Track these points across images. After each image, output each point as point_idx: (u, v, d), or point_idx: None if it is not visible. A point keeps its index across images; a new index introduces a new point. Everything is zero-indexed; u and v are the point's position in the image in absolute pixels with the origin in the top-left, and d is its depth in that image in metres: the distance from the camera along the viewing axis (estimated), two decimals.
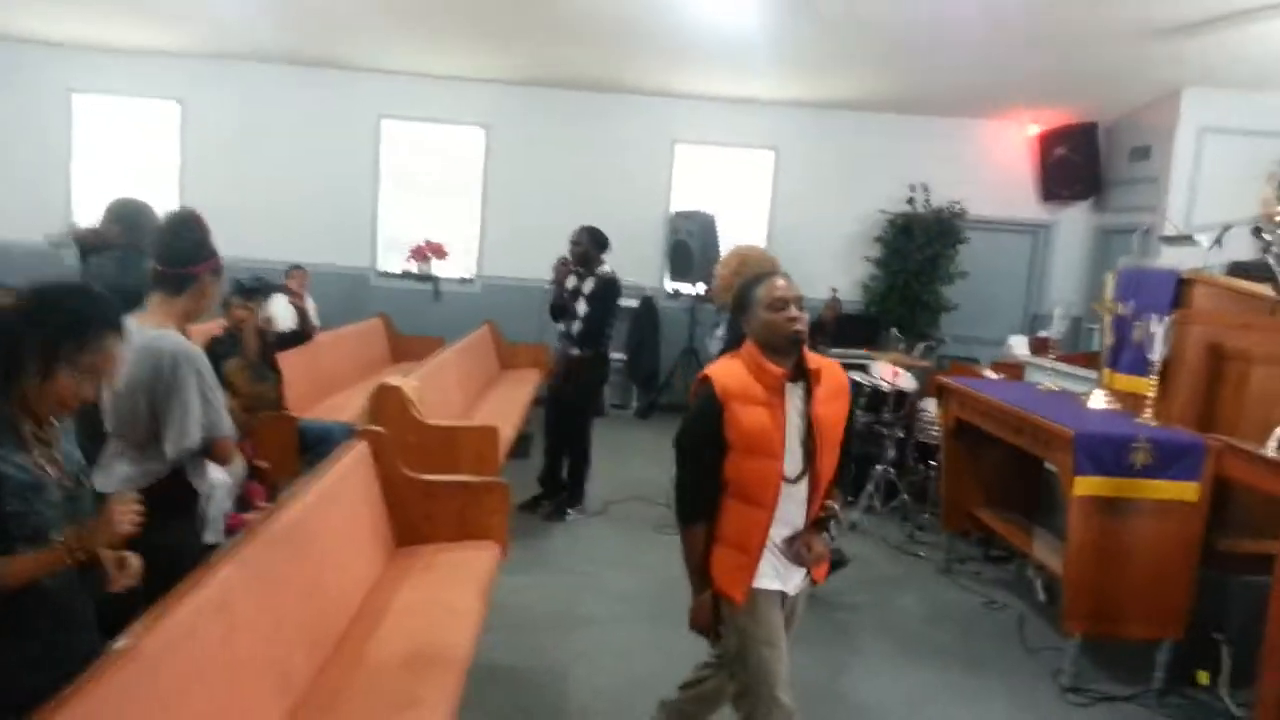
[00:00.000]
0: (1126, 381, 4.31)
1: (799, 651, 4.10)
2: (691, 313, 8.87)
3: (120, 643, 1.76)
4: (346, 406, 5.95)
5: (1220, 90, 7.58)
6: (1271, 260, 4.21)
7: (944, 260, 8.80)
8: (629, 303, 9.02)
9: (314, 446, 4.87)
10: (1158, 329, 3.98)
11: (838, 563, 2.42)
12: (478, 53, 8.25)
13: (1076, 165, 8.87)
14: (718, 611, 2.56)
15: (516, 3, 7.03)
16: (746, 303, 2.51)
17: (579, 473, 5.87)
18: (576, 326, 5.66)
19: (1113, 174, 8.87)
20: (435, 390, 5.62)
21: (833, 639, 4.23)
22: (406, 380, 4.97)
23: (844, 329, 8.20)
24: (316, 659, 2.60)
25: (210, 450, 2.53)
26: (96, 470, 2.41)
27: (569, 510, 5.78)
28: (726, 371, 2.48)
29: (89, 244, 3.80)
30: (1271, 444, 3.03)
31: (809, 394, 2.46)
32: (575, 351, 5.68)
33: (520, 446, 6.77)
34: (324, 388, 6.52)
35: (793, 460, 2.44)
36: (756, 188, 9.30)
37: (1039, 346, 6.24)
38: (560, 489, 5.88)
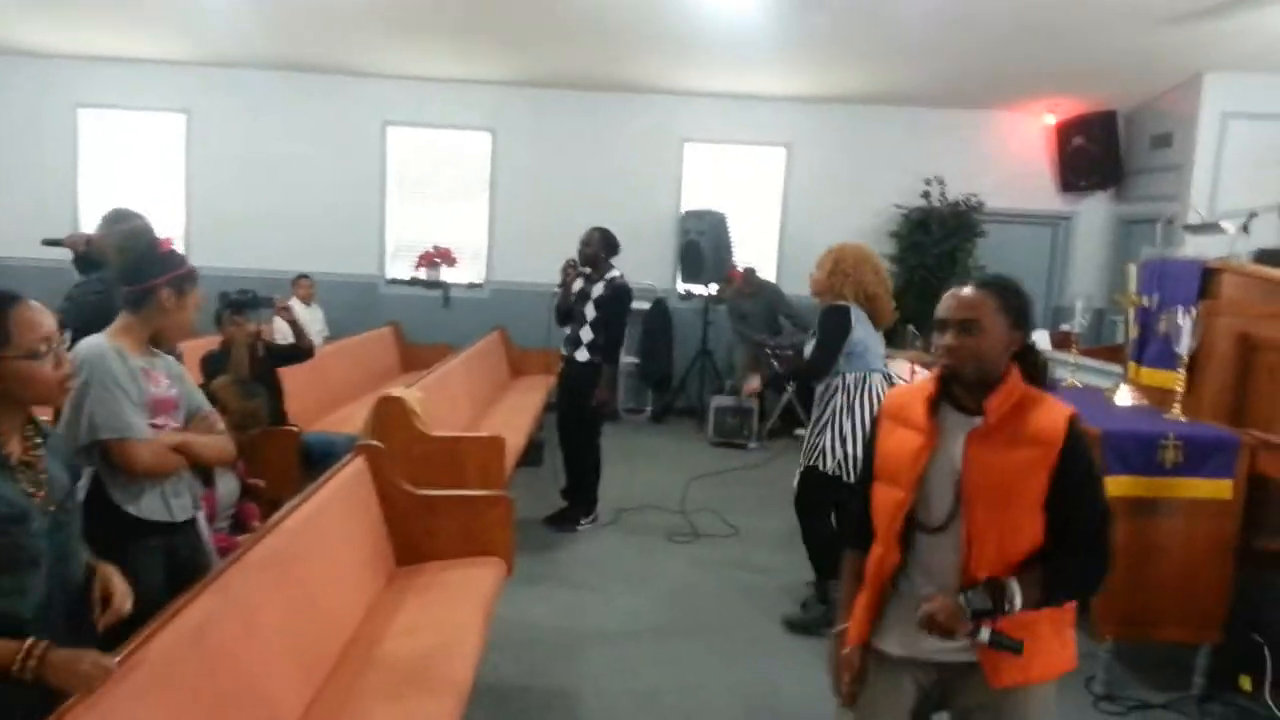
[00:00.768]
0: (1153, 376, 4.14)
1: (804, 656, 3.99)
2: (704, 314, 8.73)
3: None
4: (354, 418, 5.84)
5: (1243, 74, 7.37)
6: None
7: (962, 254, 8.61)
8: (640, 304, 8.90)
9: (319, 461, 4.77)
10: (1184, 321, 3.82)
11: (998, 644, 1.89)
12: (481, 56, 8.15)
13: (1095, 155, 8.67)
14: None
15: (520, 4, 6.93)
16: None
17: (589, 481, 5.72)
18: (585, 333, 5.50)
19: (1133, 163, 8.66)
20: (441, 400, 5.52)
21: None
22: (409, 391, 4.86)
23: None
24: (308, 689, 2.49)
25: (108, 455, 2.38)
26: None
27: (581, 520, 5.64)
28: (909, 387, 2.21)
29: (84, 256, 3.65)
30: None
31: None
32: (580, 357, 5.51)
33: (532, 455, 6.66)
34: (333, 399, 6.44)
35: (936, 501, 2.00)
36: (768, 185, 9.15)
37: (1061, 341, 6.06)
38: (584, 498, 5.70)
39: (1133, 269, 4.40)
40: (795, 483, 4.28)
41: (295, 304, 6.23)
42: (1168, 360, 3.93)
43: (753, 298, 8.43)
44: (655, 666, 3.84)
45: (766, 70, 8.05)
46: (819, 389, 4.23)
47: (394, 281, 9.17)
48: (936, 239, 8.56)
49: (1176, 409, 3.77)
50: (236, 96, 8.79)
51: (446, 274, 9.16)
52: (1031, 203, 9.04)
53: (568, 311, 5.61)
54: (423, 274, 9.14)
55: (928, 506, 2.02)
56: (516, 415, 6.69)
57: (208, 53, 8.37)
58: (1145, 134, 8.47)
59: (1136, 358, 4.29)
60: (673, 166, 9.01)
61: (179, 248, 8.47)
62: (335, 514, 3.06)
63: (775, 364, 8.07)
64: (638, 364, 9.01)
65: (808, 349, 4.28)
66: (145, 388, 2.47)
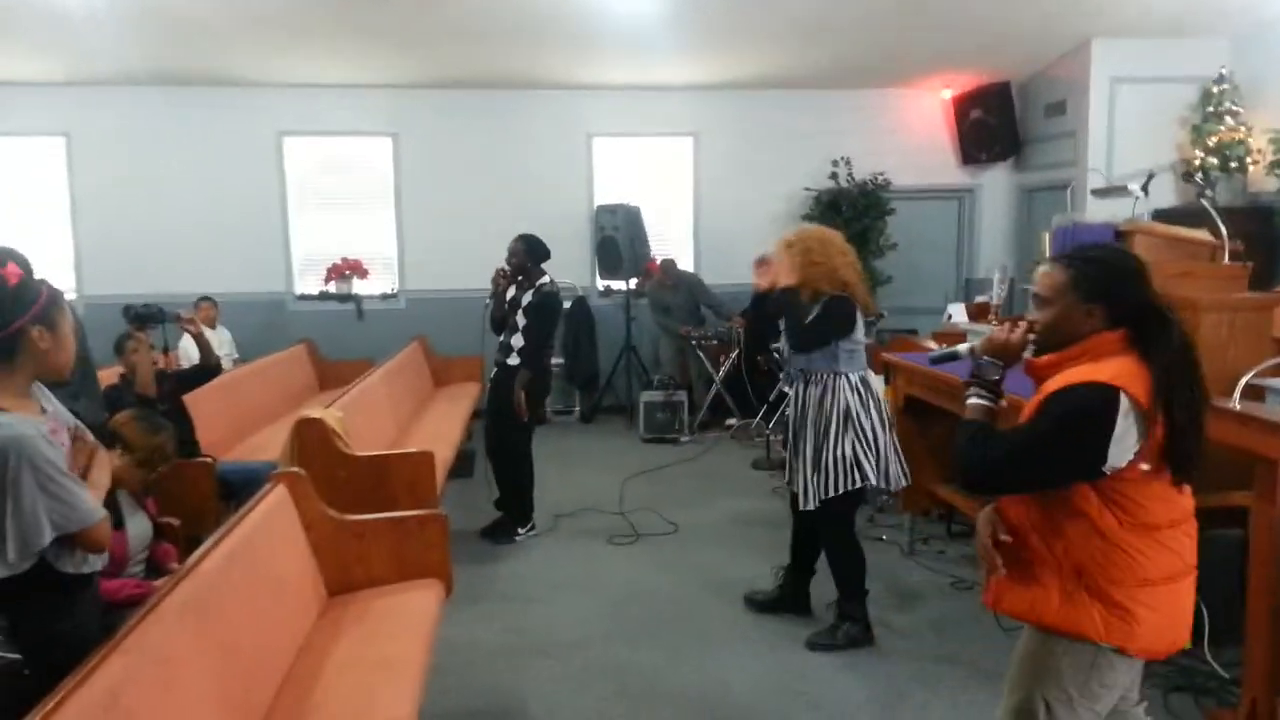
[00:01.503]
0: None
1: (752, 653, 3.95)
2: (626, 309, 8.65)
3: None
4: (272, 444, 5.58)
5: (1129, 39, 7.59)
6: (1207, 204, 4.13)
7: (873, 233, 8.71)
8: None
9: (239, 491, 4.56)
10: None
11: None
12: (376, 59, 7.91)
13: (993, 126, 8.86)
14: None
15: (412, 4, 6.73)
16: None
17: (524, 489, 5.57)
18: (516, 340, 5.38)
19: (1030, 132, 8.87)
20: (363, 417, 5.33)
21: (794, 636, 4.03)
22: (328, 410, 4.67)
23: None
24: None
25: (74, 541, 2.13)
26: None
27: (519, 531, 5.49)
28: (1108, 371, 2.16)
29: None
30: (1235, 395, 2.92)
31: None
32: (512, 362, 5.37)
33: (462, 466, 6.50)
34: (247, 425, 6.17)
35: None
36: (679, 176, 9.11)
37: (978, 312, 6.15)
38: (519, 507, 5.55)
39: (1045, 236, 4.46)
40: (813, 503, 3.85)
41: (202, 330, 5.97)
42: None
43: (674, 289, 8.39)
44: (604, 676, 3.74)
45: (668, 60, 8.00)
46: (814, 394, 3.89)
47: (304, 297, 8.85)
48: (848, 219, 8.62)
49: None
50: (119, 116, 8.34)
51: (358, 286, 8.88)
52: (936, 178, 9.19)
53: (501, 320, 5.47)
54: (333, 288, 8.85)
55: None
56: (444, 426, 6.52)
57: (85, 72, 7.93)
58: (1040, 103, 8.68)
59: None
60: (582, 162, 8.90)
61: (68, 277, 8.12)
62: (258, 549, 2.89)
63: (703, 359, 8.06)
64: (563, 364, 8.88)
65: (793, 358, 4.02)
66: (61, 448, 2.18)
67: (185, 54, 7.55)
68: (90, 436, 2.36)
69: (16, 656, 2.20)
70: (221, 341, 7.67)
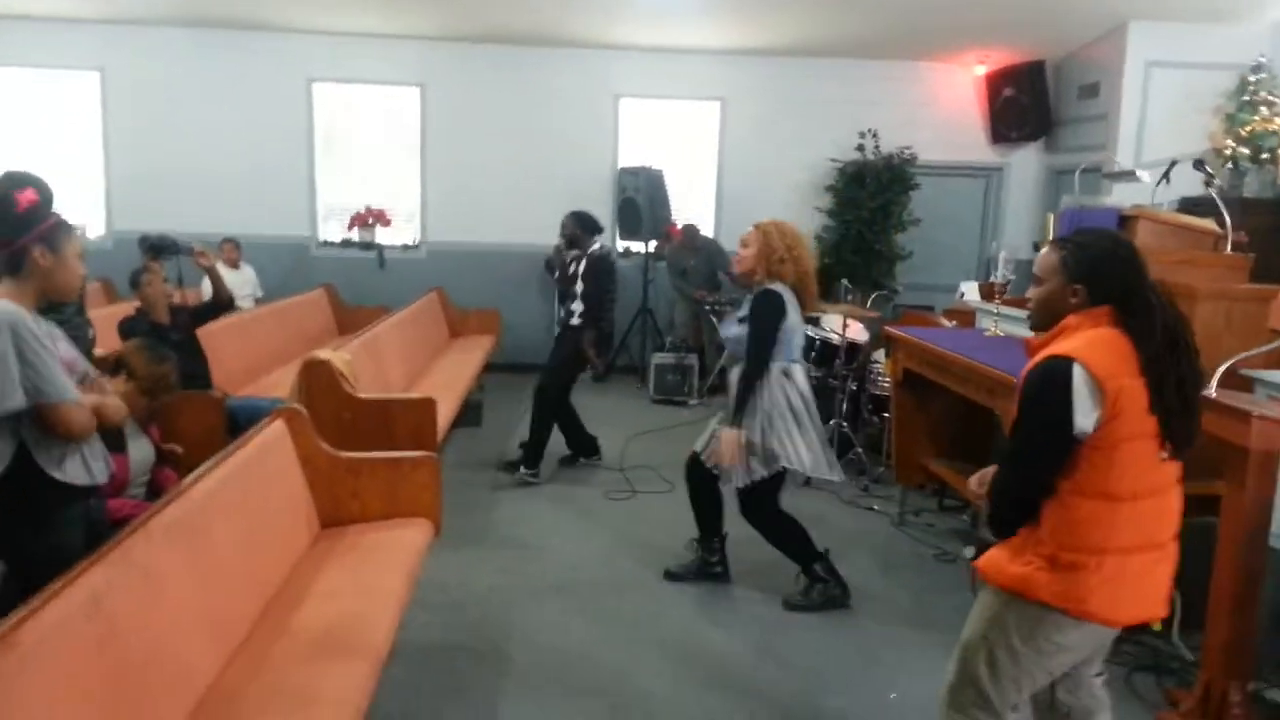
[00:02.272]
0: None
1: (734, 609, 4.06)
2: (644, 271, 8.70)
3: None
4: (284, 383, 5.73)
5: (1167, 23, 7.47)
6: (1214, 194, 4.12)
7: (896, 208, 8.68)
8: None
9: (245, 427, 4.69)
10: None
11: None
12: (408, 9, 7.94)
13: (1025, 105, 8.75)
14: None
15: None
16: None
17: (539, 436, 5.75)
18: (576, 305, 5.81)
19: (1062, 113, 8.76)
20: (373, 362, 5.46)
21: (774, 600, 4.13)
22: (337, 353, 4.79)
23: None
24: (222, 654, 2.46)
25: (45, 419, 2.27)
26: None
27: (521, 468, 5.67)
28: (1094, 349, 2.23)
29: None
30: (1213, 383, 2.95)
31: None
32: (573, 323, 5.81)
33: (470, 414, 6.63)
34: (261, 364, 6.32)
35: None
36: (704, 140, 9.10)
37: (989, 292, 6.16)
38: (588, 442, 6.10)
39: (1051, 218, 4.46)
40: (738, 490, 3.94)
41: (220, 267, 6.12)
42: None
43: (693, 254, 8.42)
44: (587, 623, 3.86)
45: (699, 23, 7.97)
46: (735, 376, 3.94)
47: (326, 244, 8.99)
48: (871, 192, 8.61)
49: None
50: (153, 54, 8.46)
51: (381, 235, 9.00)
52: (964, 155, 9.11)
53: (565, 290, 5.99)
54: (356, 235, 8.97)
55: None
56: (454, 375, 6.64)
57: (121, 9, 8.04)
58: (1073, 84, 8.57)
59: None
60: (608, 122, 8.92)
61: (98, 211, 8.29)
62: (252, 478, 3.01)
63: (715, 325, 8.09)
64: None
65: (726, 330, 4.06)
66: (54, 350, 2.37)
67: None
68: (107, 386, 2.60)
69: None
70: (245, 281, 7.84)
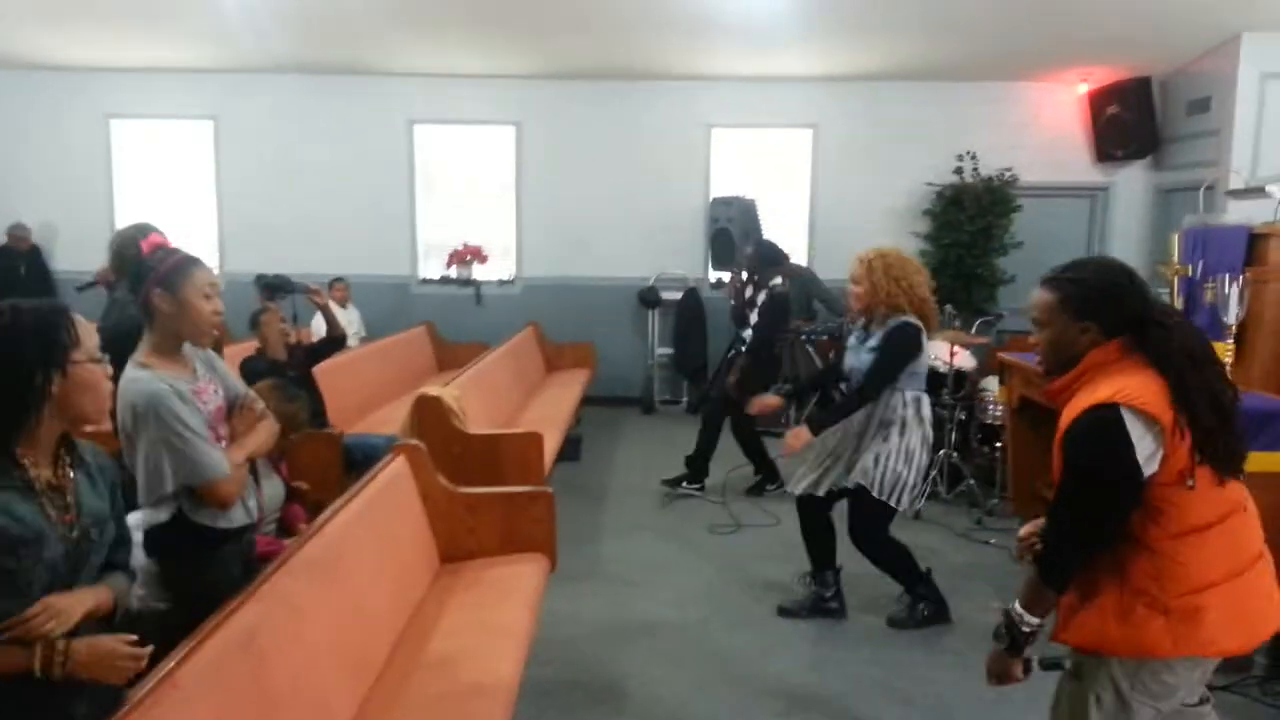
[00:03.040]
0: None
1: (848, 646, 3.96)
2: None
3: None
4: (393, 419, 5.87)
5: None
6: None
7: (997, 231, 8.47)
8: (672, 295, 8.88)
9: (361, 463, 4.80)
10: (1231, 289, 3.72)
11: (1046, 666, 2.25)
12: (502, 49, 8.13)
13: (1130, 123, 8.47)
14: None
15: None
16: None
17: (702, 452, 6.10)
18: (748, 334, 6.02)
19: (1169, 130, 8.46)
20: (478, 397, 5.54)
21: (897, 636, 4.03)
22: (446, 389, 4.87)
23: None
24: (359, 689, 2.50)
25: (199, 496, 2.33)
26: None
27: (687, 484, 6.09)
28: (1129, 389, 2.14)
29: (107, 282, 3.70)
30: None
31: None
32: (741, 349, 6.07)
33: (570, 449, 6.67)
34: (369, 401, 6.47)
35: None
36: (796, 168, 9.05)
37: None
38: (767, 466, 6.22)
39: (1175, 238, 4.29)
40: (808, 490, 4.04)
41: (332, 305, 6.30)
42: (1215, 330, 3.83)
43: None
44: (701, 659, 3.81)
45: (789, 50, 7.95)
46: (869, 406, 3.94)
47: (426, 281, 9.20)
48: (971, 215, 8.42)
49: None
50: (262, 101, 8.85)
51: (478, 271, 9.17)
52: (1067, 175, 8.86)
53: (741, 316, 6.17)
54: (454, 272, 9.17)
55: None
56: (553, 410, 6.69)
57: (232, 59, 8.43)
58: (1181, 99, 8.27)
59: None
60: (700, 153, 8.95)
61: (211, 254, 8.67)
62: (378, 514, 3.07)
63: (811, 354, 7.99)
64: (672, 355, 8.98)
65: (854, 360, 4.02)
66: (201, 408, 2.39)
67: (326, 44, 7.94)
68: (260, 405, 2.61)
69: (163, 605, 2.42)
70: (350, 320, 8.07)
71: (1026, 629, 2.13)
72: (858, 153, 8.84)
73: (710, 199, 8.84)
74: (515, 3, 7.00)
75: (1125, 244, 8.86)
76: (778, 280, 6.07)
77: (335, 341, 5.22)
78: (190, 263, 2.44)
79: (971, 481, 5.74)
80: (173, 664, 1.77)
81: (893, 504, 3.88)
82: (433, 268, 9.24)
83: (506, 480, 4.37)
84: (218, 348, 3.46)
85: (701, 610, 4.31)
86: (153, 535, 2.36)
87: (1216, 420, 1.97)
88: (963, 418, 5.96)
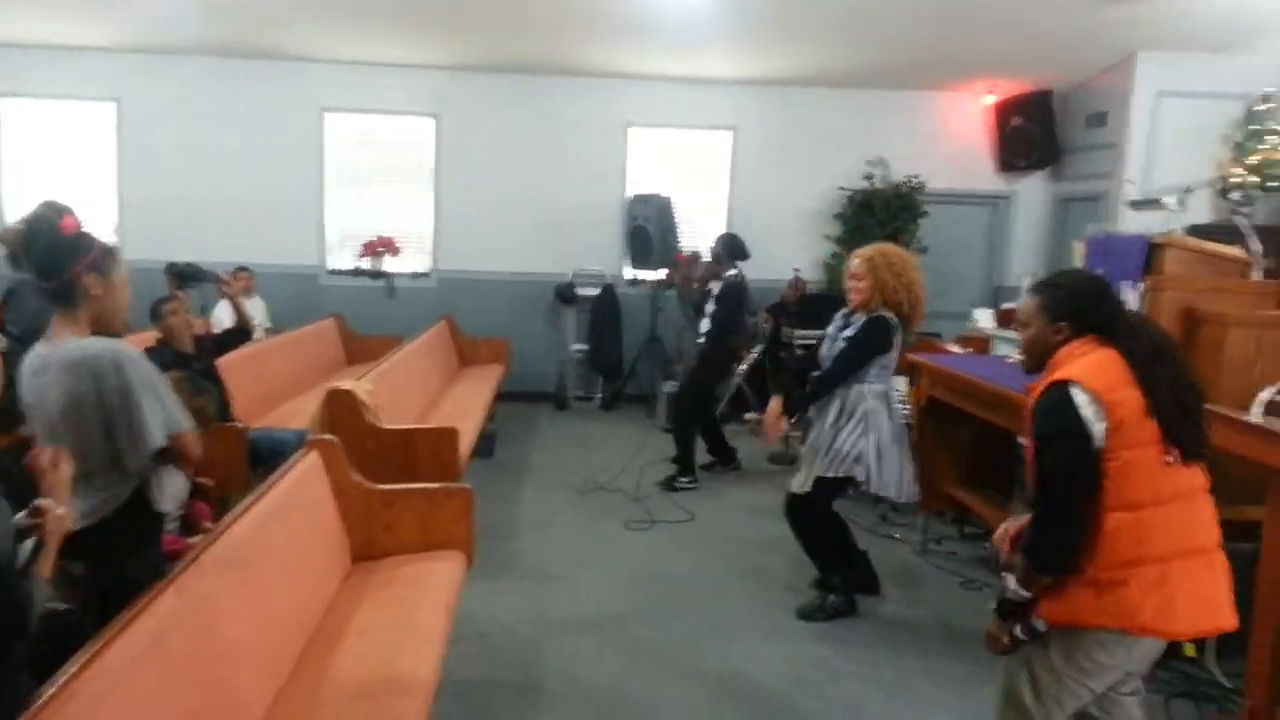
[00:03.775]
0: None
1: (765, 640, 4.03)
2: (653, 300, 8.71)
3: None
4: (301, 413, 5.70)
5: (1175, 53, 7.54)
6: (1240, 221, 4.14)
7: (905, 235, 8.69)
8: (589, 291, 8.86)
9: (268, 459, 4.66)
10: (1130, 295, 3.90)
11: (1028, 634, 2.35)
12: (422, 40, 7.99)
13: (1032, 134, 8.82)
14: None
15: None
16: None
17: (686, 446, 6.27)
18: (704, 324, 6.32)
19: (1069, 141, 8.83)
20: (391, 392, 5.42)
21: (805, 630, 4.11)
22: (359, 383, 4.76)
23: (808, 309, 8.08)
24: (270, 689, 2.42)
25: (174, 450, 2.35)
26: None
27: (679, 480, 6.19)
28: (1078, 366, 2.36)
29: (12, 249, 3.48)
30: (1256, 410, 2.94)
31: None
32: (700, 342, 6.39)
33: (484, 445, 6.59)
34: (276, 395, 6.29)
35: None
36: (715, 169, 9.13)
37: (1005, 318, 6.17)
38: (728, 452, 6.57)
39: (1079, 245, 4.48)
40: (801, 487, 4.10)
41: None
42: None
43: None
44: (619, 656, 3.82)
45: (711, 53, 8.02)
46: (840, 394, 4.05)
47: (336, 272, 8.98)
48: (880, 220, 8.62)
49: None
50: (168, 83, 8.49)
51: (390, 264, 8.99)
52: (972, 183, 9.17)
53: (698, 307, 6.53)
54: (366, 264, 8.97)
55: None
56: (468, 405, 6.60)
57: (138, 39, 8.08)
58: (1080, 113, 8.64)
59: None
60: (618, 151, 8.95)
61: (110, 237, 8.28)
62: (291, 511, 2.98)
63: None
64: (587, 351, 8.97)
65: (830, 349, 4.14)
66: None
67: (238, 25, 7.67)
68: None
69: (65, 607, 2.30)
70: (255, 312, 7.80)
71: (1016, 599, 2.29)
72: (775, 156, 8.98)
73: (628, 197, 8.85)
74: None
75: (1025, 250, 9.23)
76: (733, 270, 6.30)
77: (242, 333, 5.06)
78: (114, 249, 2.42)
79: None
80: (77, 667, 1.69)
81: (841, 474, 3.99)
82: (345, 259, 9.02)
83: (420, 476, 4.28)
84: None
85: (618, 606, 4.32)
86: (90, 532, 2.23)
87: (1175, 407, 2.17)
88: None
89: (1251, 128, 7.37)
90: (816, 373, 4.18)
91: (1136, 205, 5.17)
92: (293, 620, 2.73)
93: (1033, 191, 9.22)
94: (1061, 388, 2.20)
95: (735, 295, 6.35)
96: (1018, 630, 2.30)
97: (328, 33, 7.84)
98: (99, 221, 8.34)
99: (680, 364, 8.55)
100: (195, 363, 4.50)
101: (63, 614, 2.21)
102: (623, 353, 8.93)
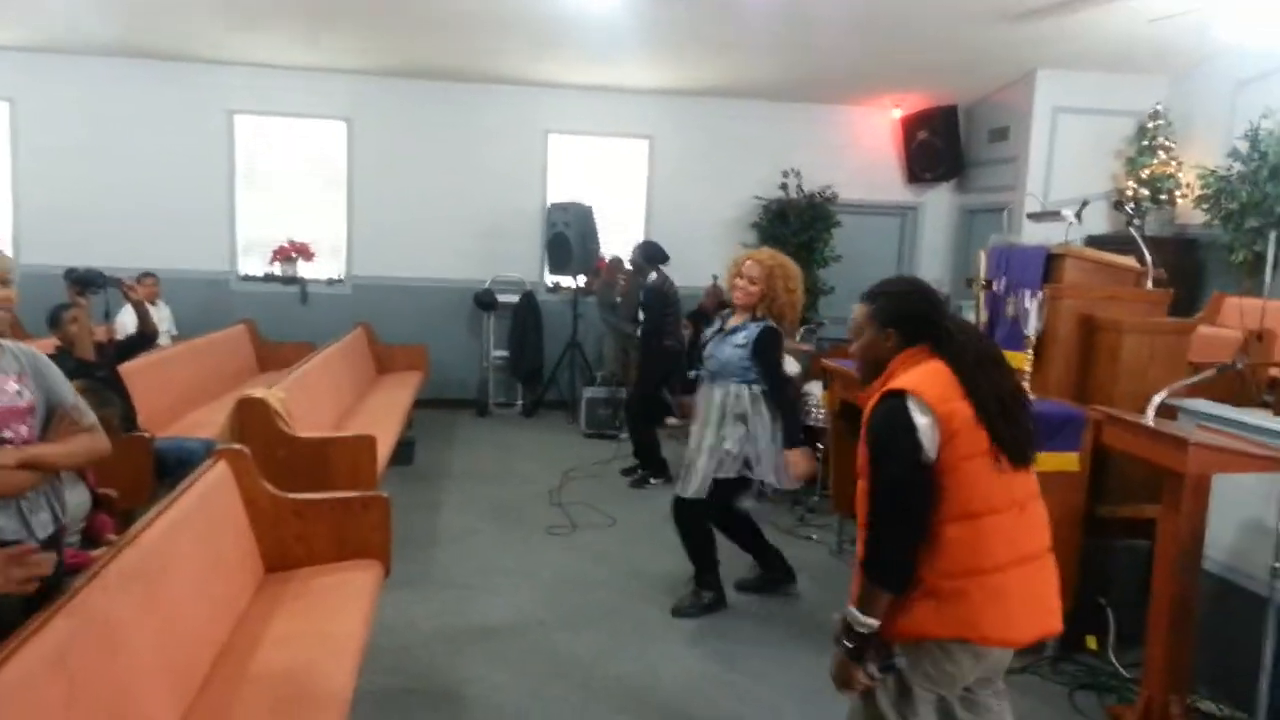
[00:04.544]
0: None
1: (684, 643, 4.07)
2: (573, 306, 8.71)
3: None
4: (210, 422, 5.54)
5: (1072, 71, 7.87)
6: (1134, 232, 4.34)
7: (819, 244, 8.89)
8: (508, 298, 8.82)
9: (175, 469, 4.52)
10: (1031, 304, 4.06)
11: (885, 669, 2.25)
12: (334, 43, 7.85)
13: (938, 147, 9.10)
14: None
15: None
16: None
17: (649, 447, 6.52)
18: (636, 328, 6.73)
19: (973, 155, 9.14)
20: (305, 399, 5.31)
21: (723, 629, 4.16)
22: (271, 391, 4.65)
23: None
24: (181, 705, 2.35)
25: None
26: None
27: (651, 479, 6.45)
28: (913, 379, 2.31)
29: None
30: (1150, 412, 3.10)
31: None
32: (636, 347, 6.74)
33: (403, 453, 6.50)
34: (184, 403, 6.10)
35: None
36: (633, 177, 9.19)
37: None
38: (653, 459, 6.61)
39: (982, 255, 4.63)
40: (696, 492, 4.20)
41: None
42: (1016, 341, 4.16)
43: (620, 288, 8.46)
44: (540, 661, 3.81)
45: (628, 62, 8.07)
46: (720, 396, 4.19)
47: (247, 278, 8.75)
48: (795, 229, 8.81)
49: (1026, 387, 4.00)
50: (68, 84, 8.16)
51: (304, 269, 8.80)
52: (881, 194, 9.41)
53: (632, 315, 6.90)
54: (278, 270, 8.76)
55: None
56: (386, 413, 6.50)
57: (35, 37, 7.75)
58: (984, 127, 8.96)
59: None
60: (537, 158, 8.94)
61: (4, 245, 7.91)
62: (198, 522, 2.90)
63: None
64: (507, 358, 8.92)
65: (718, 352, 4.26)
66: None
67: (142, 25, 7.41)
68: (89, 419, 2.43)
69: None
70: (161, 318, 7.54)
71: (863, 630, 2.16)
72: (691, 165, 9.08)
73: (548, 204, 8.84)
74: None
75: (932, 259, 9.51)
76: (653, 275, 6.63)
77: (146, 339, 4.91)
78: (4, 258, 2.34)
79: None
80: None
81: (734, 475, 4.16)
82: (254, 264, 8.79)
83: (336, 485, 4.21)
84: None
85: (539, 613, 4.30)
86: None
87: (999, 410, 2.18)
88: None
89: (1143, 143, 7.75)
90: (693, 371, 4.54)
91: (1036, 217, 5.38)
92: (203, 634, 2.65)
93: (940, 203, 9.52)
94: (897, 398, 2.17)
95: (659, 299, 6.57)
96: (873, 670, 2.18)
97: (235, 33, 7.63)
98: None
99: (602, 371, 8.59)
100: (98, 370, 4.35)
101: None
102: (544, 359, 8.91)
